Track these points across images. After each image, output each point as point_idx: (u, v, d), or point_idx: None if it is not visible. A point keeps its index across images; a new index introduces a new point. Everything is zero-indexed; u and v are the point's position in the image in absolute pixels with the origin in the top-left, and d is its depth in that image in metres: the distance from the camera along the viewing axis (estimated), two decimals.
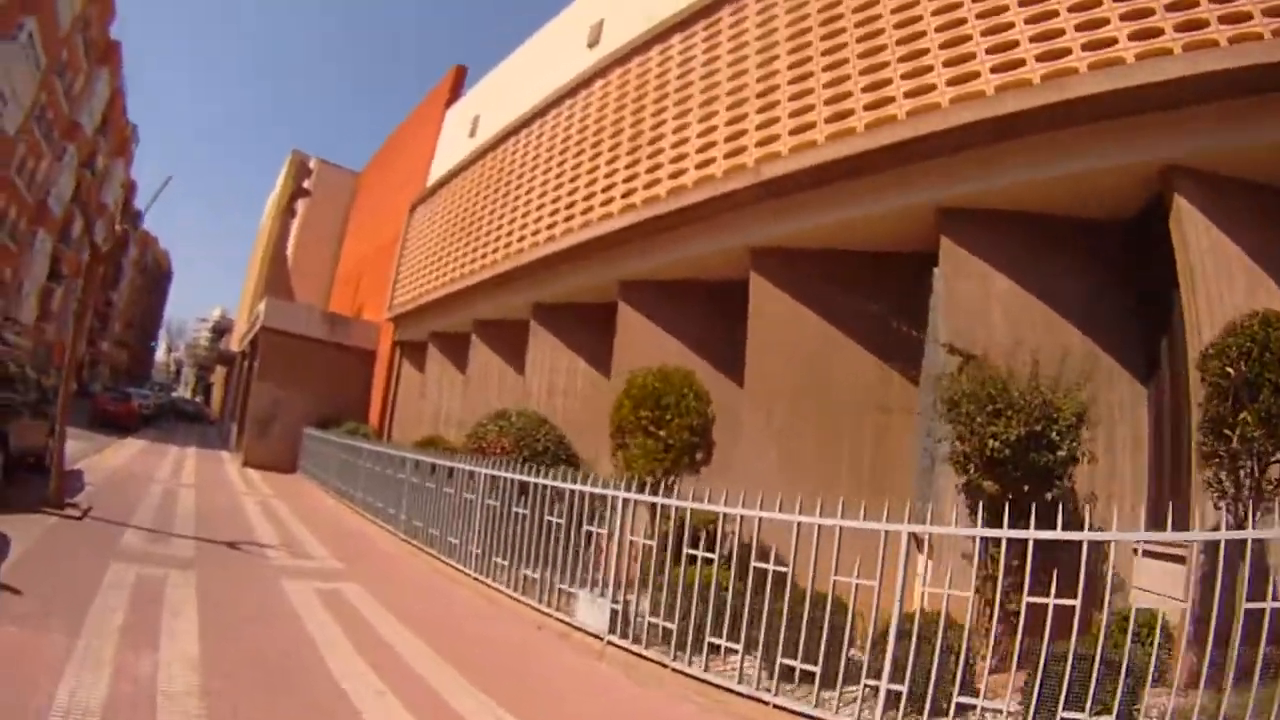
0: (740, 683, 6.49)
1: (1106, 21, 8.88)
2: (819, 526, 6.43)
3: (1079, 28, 9.08)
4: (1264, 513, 5.85)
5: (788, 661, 6.30)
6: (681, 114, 14.70)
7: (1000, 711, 5.35)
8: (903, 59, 10.82)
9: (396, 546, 12.86)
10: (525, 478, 9.64)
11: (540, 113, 20.35)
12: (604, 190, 16.22)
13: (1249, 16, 7.99)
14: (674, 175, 14.28)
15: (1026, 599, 5.39)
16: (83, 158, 36.58)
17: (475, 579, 10.20)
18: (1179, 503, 7.17)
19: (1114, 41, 8.75)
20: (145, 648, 5.62)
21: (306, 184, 53.89)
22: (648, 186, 14.87)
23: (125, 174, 49.57)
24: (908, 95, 10.54)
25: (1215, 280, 7.87)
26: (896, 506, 6.19)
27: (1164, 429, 8.87)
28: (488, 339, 21.60)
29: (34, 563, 7.47)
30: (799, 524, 6.61)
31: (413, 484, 13.17)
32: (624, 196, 15.47)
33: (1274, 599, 4.77)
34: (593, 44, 19.01)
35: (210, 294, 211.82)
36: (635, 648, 7.46)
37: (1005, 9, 9.85)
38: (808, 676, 6.26)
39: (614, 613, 7.78)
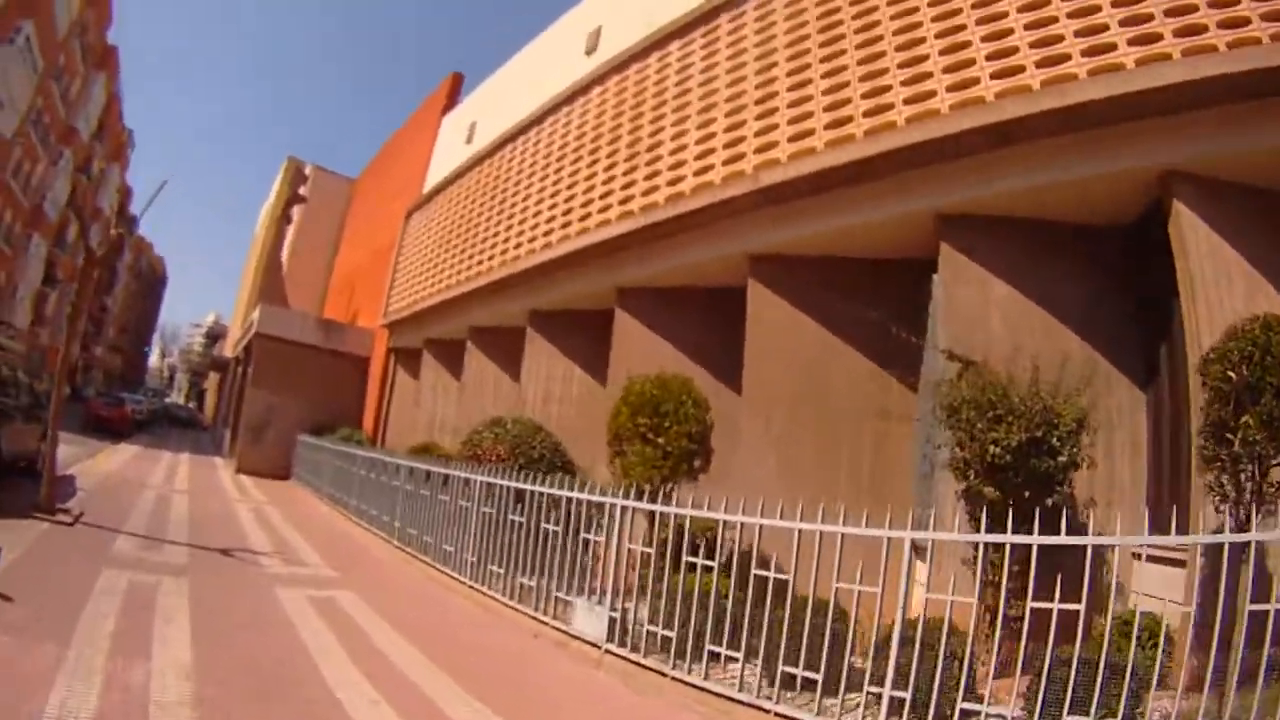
0: (741, 691, 6.43)
1: (1106, 27, 8.90)
2: (820, 533, 6.38)
3: (1079, 34, 9.10)
4: (1265, 515, 5.84)
5: (789, 669, 6.25)
6: (680, 120, 14.70)
7: (1004, 717, 5.29)
8: (902, 65, 10.83)
9: (391, 554, 12.76)
10: (522, 485, 9.57)
11: (538, 119, 20.35)
12: (602, 197, 16.20)
13: (1247, 21, 8.01)
14: (672, 182, 14.27)
15: (1030, 604, 5.34)
16: (79, 162, 36.48)
17: (471, 587, 10.11)
18: (1179, 507, 7.16)
19: (1114, 47, 8.76)
20: (137, 656, 5.53)
21: (302, 190, 53.88)
22: (646, 193, 14.85)
23: (121, 179, 49.51)
24: (907, 102, 10.54)
25: (1215, 285, 7.86)
26: (895, 513, 6.13)
27: (1163, 434, 8.86)
28: (483, 346, 21.54)
29: (25, 569, 7.36)
30: (800, 531, 6.55)
31: (407, 491, 13.09)
32: (622, 203, 15.45)
33: (1278, 601, 4.73)
34: (590, 51, 19.03)
35: (205, 300, 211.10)
36: (633, 656, 7.39)
37: (1004, 15, 9.87)
38: (808, 684, 6.21)
39: (612, 621, 7.71)
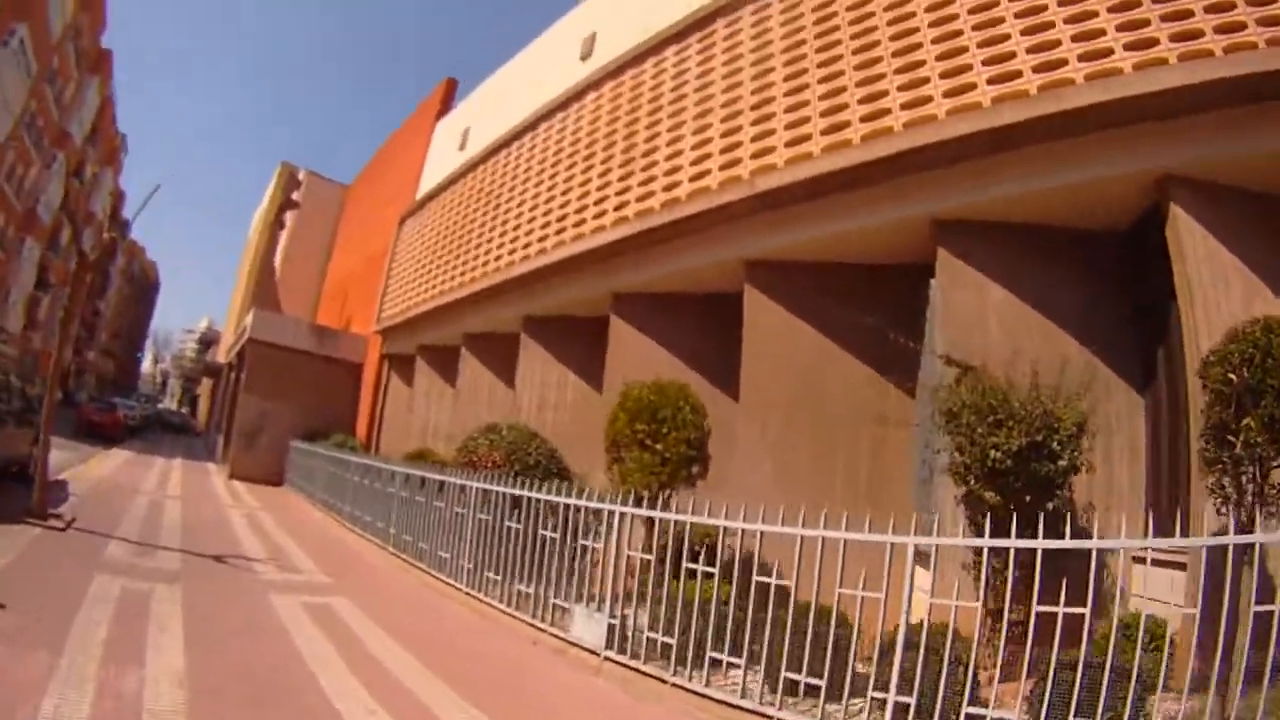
0: (743, 698, 6.37)
1: (1103, 33, 8.94)
2: (822, 539, 6.34)
3: (1075, 39, 9.14)
4: (1267, 517, 5.84)
5: (791, 675, 6.20)
6: (675, 126, 14.70)
7: None
8: (899, 71, 10.86)
9: (385, 560, 12.67)
10: (519, 491, 9.50)
11: (532, 125, 20.35)
12: (596, 202, 16.19)
13: (1244, 26, 8.06)
14: (668, 188, 14.26)
15: (1036, 608, 5.32)
16: (72, 166, 36.25)
17: (467, 594, 10.03)
18: (1179, 511, 7.15)
19: (1110, 52, 8.80)
20: (130, 664, 5.45)
21: (295, 196, 53.75)
22: (641, 199, 14.84)
23: (114, 183, 49.20)
24: (904, 107, 10.56)
25: (1212, 289, 7.88)
26: (893, 519, 6.11)
27: (1161, 438, 8.86)
28: (477, 352, 21.47)
29: (17, 575, 7.28)
30: (802, 537, 6.51)
31: (402, 498, 13.00)
32: (617, 209, 15.44)
33: None
34: (586, 57, 19.05)
35: (197, 305, 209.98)
36: (633, 663, 7.32)
37: (1001, 21, 9.91)
38: (810, 690, 6.16)
39: (611, 627, 7.63)
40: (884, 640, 5.91)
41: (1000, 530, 5.81)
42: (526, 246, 18.49)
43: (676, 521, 7.61)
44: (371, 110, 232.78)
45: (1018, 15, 9.77)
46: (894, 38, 11.13)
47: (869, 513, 6.34)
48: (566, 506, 8.74)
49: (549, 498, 9.02)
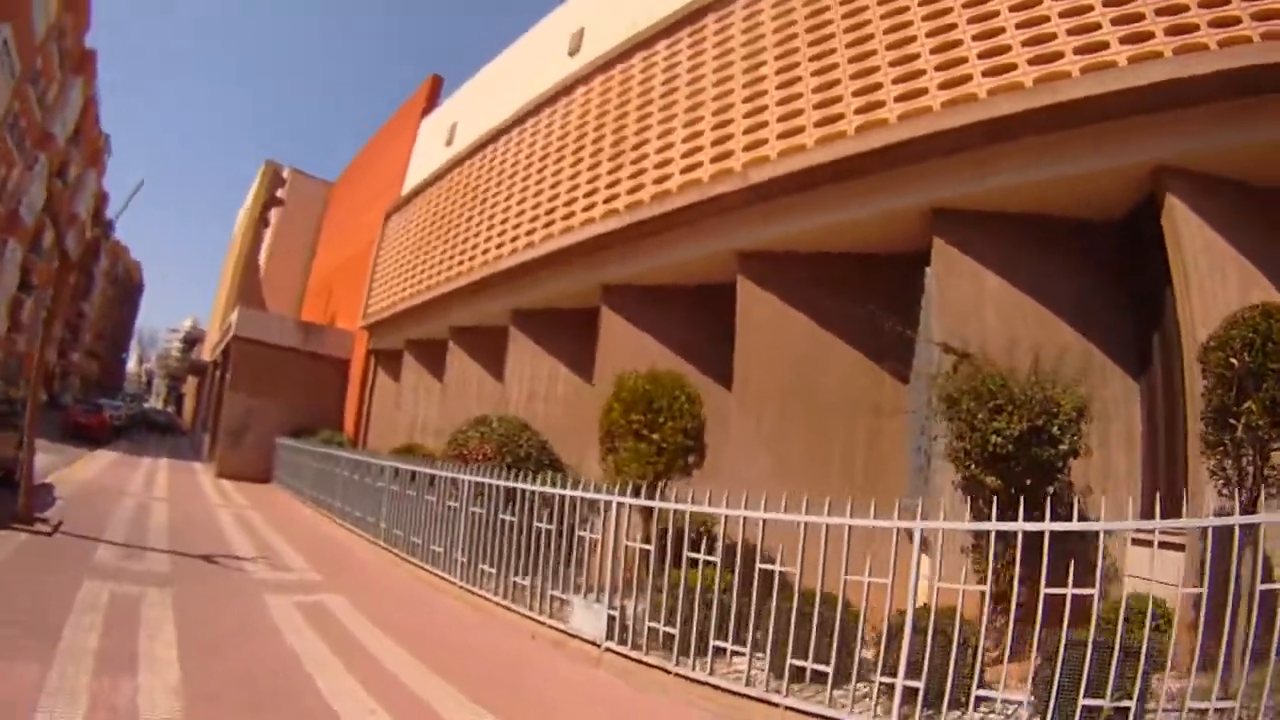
0: (748, 685, 6.34)
1: (1098, 26, 8.99)
2: (826, 526, 6.31)
3: (1071, 32, 9.18)
4: (1268, 498, 5.91)
5: (798, 662, 6.18)
6: (666, 119, 14.64)
7: (1020, 702, 5.26)
8: (893, 63, 10.86)
9: (377, 556, 12.56)
10: (513, 484, 9.42)
11: (520, 120, 20.23)
12: (586, 195, 16.10)
13: (1238, 20, 8.13)
14: (659, 180, 14.19)
15: (1045, 590, 5.33)
16: (55, 167, 35.69)
17: (461, 587, 9.95)
18: (1176, 494, 7.19)
19: (1106, 45, 8.84)
20: (123, 673, 5.31)
21: (280, 193, 53.39)
22: (631, 191, 14.76)
23: (97, 184, 48.50)
24: (898, 99, 10.56)
25: (1209, 278, 7.95)
26: (891, 507, 6.11)
27: (1157, 423, 8.92)
28: (465, 346, 21.34)
29: (3, 583, 7.12)
30: (805, 524, 6.47)
31: (392, 492, 12.90)
32: (607, 201, 15.35)
33: None
34: (573, 52, 18.93)
35: (182, 305, 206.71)
36: (634, 654, 7.27)
37: (997, 14, 9.94)
38: (815, 677, 6.13)
39: (611, 618, 7.58)
40: (890, 625, 5.89)
41: (1004, 514, 5.82)
42: (515, 240, 18.37)
43: (676, 511, 7.55)
44: (356, 107, 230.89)
45: (1013, 8, 9.80)
46: (888, 30, 11.14)
47: (866, 500, 6.33)
48: (563, 498, 8.66)
49: (545, 489, 8.94)
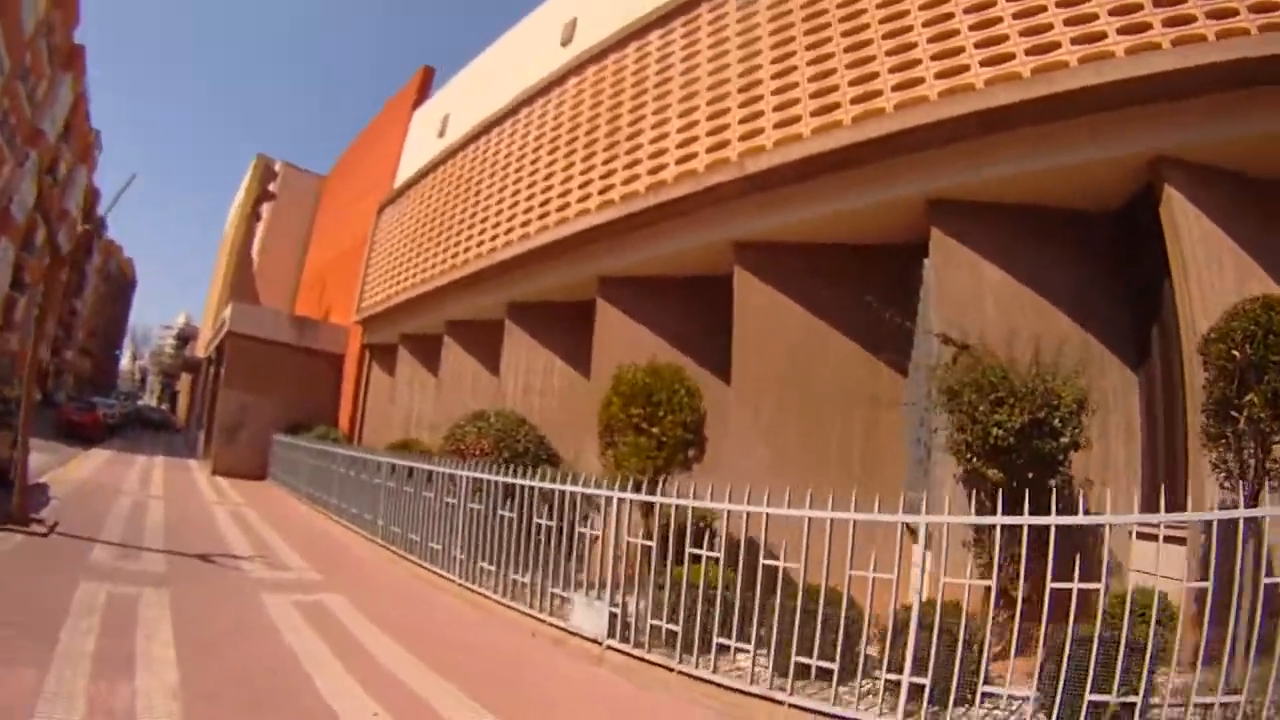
0: (752, 683, 6.32)
1: (1096, 16, 8.93)
2: (830, 521, 6.28)
3: (1068, 22, 9.12)
4: (1270, 490, 5.91)
5: (802, 659, 6.15)
6: (661, 109, 14.52)
7: (1026, 698, 5.25)
8: (890, 52, 10.77)
9: (374, 553, 12.52)
10: (512, 480, 9.37)
11: (513, 111, 20.06)
12: (581, 186, 15.99)
13: (1235, 12, 8.10)
14: (654, 170, 14.09)
15: (1051, 585, 5.31)
16: (45, 164, 35.33)
17: (460, 585, 9.91)
18: (1176, 486, 7.18)
19: (1103, 36, 8.79)
20: (121, 675, 5.27)
21: (271, 187, 53.02)
22: (626, 182, 14.66)
23: (88, 180, 48.12)
24: (895, 88, 10.48)
25: (1207, 269, 7.93)
26: (889, 499, 6.11)
27: (1156, 414, 8.91)
28: (461, 340, 21.24)
29: None
30: (810, 519, 6.44)
31: (389, 488, 12.84)
32: (602, 193, 15.25)
33: None
34: (566, 42, 18.77)
35: (175, 301, 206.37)
36: (636, 651, 7.25)
37: (994, 3, 9.87)
38: (820, 674, 6.12)
39: (612, 616, 7.54)
40: (896, 621, 5.87)
41: (1008, 507, 5.80)
42: (509, 232, 18.25)
43: (678, 506, 7.51)
44: (347, 100, 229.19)
45: None
46: (885, 19, 11.04)
47: (864, 494, 6.31)
48: (562, 494, 8.61)
49: (545, 485, 8.90)
